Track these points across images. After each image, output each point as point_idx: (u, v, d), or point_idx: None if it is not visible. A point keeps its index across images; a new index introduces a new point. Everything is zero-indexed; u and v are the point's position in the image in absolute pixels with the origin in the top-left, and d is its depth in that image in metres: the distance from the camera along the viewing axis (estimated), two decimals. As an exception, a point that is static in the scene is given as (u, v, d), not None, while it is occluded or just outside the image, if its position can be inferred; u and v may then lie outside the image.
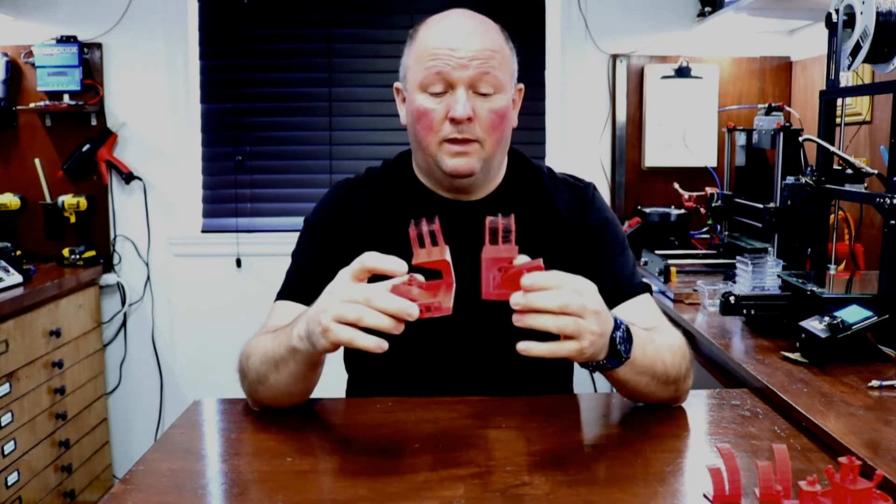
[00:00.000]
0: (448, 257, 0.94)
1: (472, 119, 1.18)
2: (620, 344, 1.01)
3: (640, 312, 1.27)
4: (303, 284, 1.28)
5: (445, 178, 1.24)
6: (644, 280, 1.34)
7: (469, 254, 1.26)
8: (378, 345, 0.90)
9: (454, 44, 1.17)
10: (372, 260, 0.94)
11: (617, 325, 1.01)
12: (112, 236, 2.94)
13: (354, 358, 1.37)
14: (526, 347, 0.92)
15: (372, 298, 0.90)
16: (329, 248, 1.28)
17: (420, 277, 0.94)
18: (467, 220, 1.27)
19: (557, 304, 0.91)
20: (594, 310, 0.94)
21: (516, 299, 0.91)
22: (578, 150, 2.97)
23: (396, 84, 1.29)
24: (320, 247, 1.30)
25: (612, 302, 1.28)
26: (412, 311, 0.89)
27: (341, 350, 1.37)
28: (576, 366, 1.41)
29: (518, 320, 0.91)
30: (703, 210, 2.61)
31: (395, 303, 0.90)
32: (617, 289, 1.28)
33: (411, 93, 1.22)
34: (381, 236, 1.27)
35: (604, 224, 1.32)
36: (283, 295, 1.29)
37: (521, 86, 1.28)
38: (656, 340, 1.13)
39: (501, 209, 1.28)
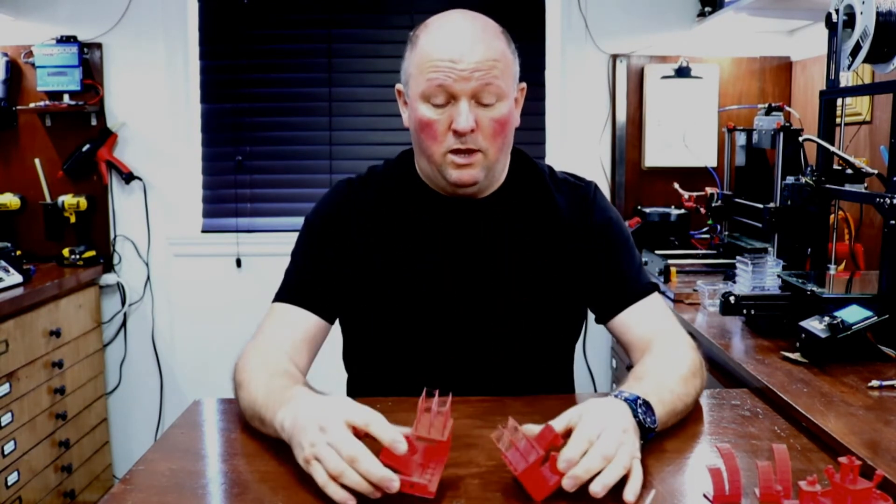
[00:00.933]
0: (448, 437, 0.91)
1: (474, 130, 1.17)
2: (646, 420, 0.99)
3: (650, 316, 1.26)
4: (302, 284, 1.27)
5: (449, 185, 1.24)
6: (652, 280, 1.33)
7: (471, 251, 1.27)
8: (346, 502, 0.86)
9: (455, 55, 1.15)
10: (377, 426, 0.90)
11: (634, 410, 0.98)
12: (112, 236, 2.94)
13: (354, 358, 1.37)
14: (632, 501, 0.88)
15: (358, 460, 0.86)
16: (329, 248, 1.28)
17: (420, 444, 0.91)
18: (469, 218, 1.27)
19: (601, 459, 0.88)
20: (623, 429, 0.92)
21: (569, 483, 0.86)
22: (578, 150, 2.97)
23: (398, 86, 1.27)
24: (320, 246, 1.29)
25: (620, 304, 1.28)
26: (392, 487, 0.85)
27: (341, 350, 1.38)
28: (575, 366, 1.41)
29: (596, 493, 0.86)
30: (703, 210, 2.61)
31: (379, 473, 0.85)
32: (624, 289, 1.28)
33: (413, 101, 1.21)
34: (382, 236, 1.27)
35: (607, 223, 1.31)
36: (281, 296, 1.28)
37: (524, 85, 1.27)
38: (668, 383, 1.10)
39: (503, 208, 1.29)
